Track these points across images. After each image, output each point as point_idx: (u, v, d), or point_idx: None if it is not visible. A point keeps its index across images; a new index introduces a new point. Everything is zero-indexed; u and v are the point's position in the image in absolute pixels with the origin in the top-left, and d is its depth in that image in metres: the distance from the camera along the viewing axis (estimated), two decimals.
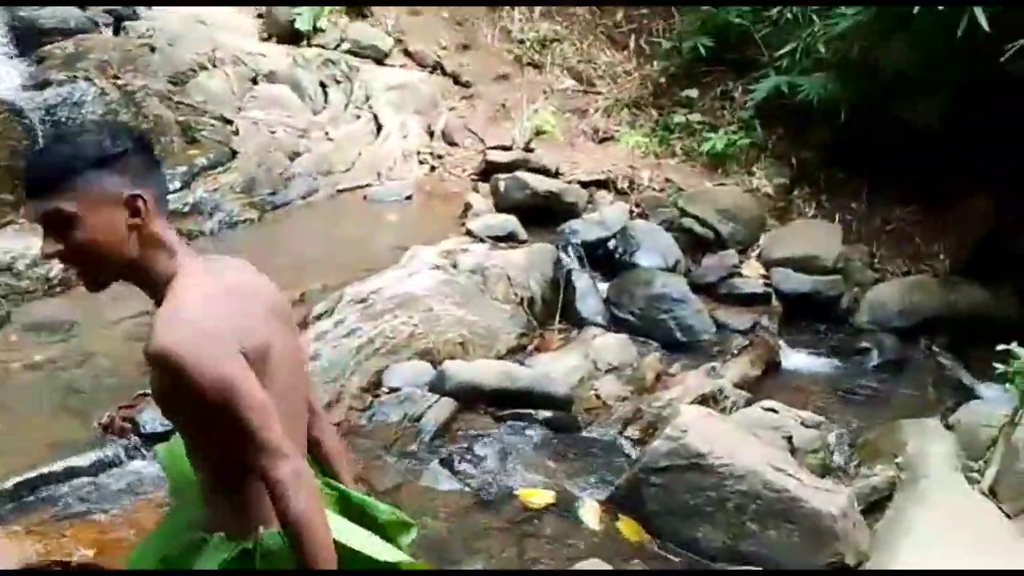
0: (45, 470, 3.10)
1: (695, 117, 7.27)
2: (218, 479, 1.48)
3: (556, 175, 6.57)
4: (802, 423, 3.19)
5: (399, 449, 3.37)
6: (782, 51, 6.66)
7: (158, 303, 1.48)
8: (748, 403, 4.17)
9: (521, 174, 6.07)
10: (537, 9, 8.36)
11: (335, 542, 1.43)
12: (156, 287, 1.49)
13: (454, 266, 4.74)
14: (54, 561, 2.68)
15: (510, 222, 5.63)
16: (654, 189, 6.81)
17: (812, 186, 6.97)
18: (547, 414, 3.73)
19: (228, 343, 1.39)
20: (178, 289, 1.44)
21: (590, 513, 2.92)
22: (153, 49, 6.41)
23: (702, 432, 2.78)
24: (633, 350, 4.71)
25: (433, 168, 7.14)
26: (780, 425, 3.17)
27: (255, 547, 1.45)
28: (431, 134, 7.42)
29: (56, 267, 4.59)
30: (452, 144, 7.42)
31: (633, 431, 3.83)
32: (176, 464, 1.70)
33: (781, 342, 5.30)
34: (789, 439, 3.09)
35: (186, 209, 5.61)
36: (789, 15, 6.70)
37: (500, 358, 4.41)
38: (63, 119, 5.47)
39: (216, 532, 1.49)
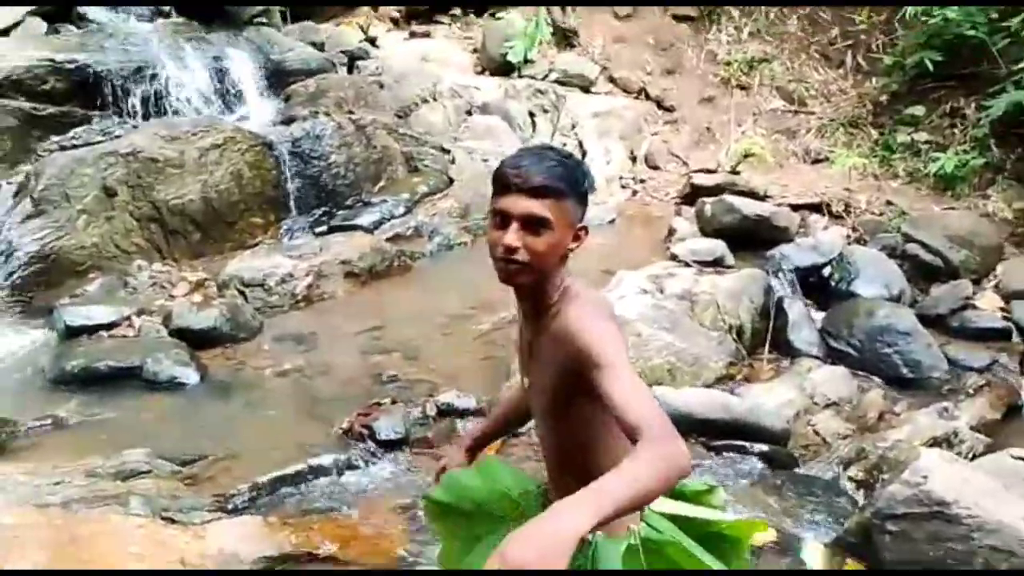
0: (296, 468, 3.44)
1: (920, 136, 6.82)
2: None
3: (765, 198, 6.39)
4: None
5: None
6: (1022, 64, 6.11)
7: (539, 311, 1.67)
8: (988, 449, 3.83)
9: (728, 197, 5.96)
10: (745, 30, 8.21)
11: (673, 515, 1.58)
12: (545, 297, 1.66)
13: (661, 291, 4.73)
14: (305, 552, 2.97)
15: (717, 246, 5.53)
16: (873, 213, 6.44)
17: None
18: (763, 448, 3.63)
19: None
20: (574, 299, 1.64)
21: (814, 555, 2.80)
22: (382, 85, 6.96)
23: (945, 479, 2.59)
24: (853, 385, 4.46)
25: (635, 192, 7.19)
26: None
27: (636, 542, 1.51)
28: (634, 159, 7.49)
29: (302, 284, 5.10)
30: (654, 168, 7.44)
31: (856, 471, 3.63)
32: (462, 491, 1.83)
33: (1023, 382, 4.80)
34: None
35: (409, 232, 6.04)
36: None
37: (708, 386, 4.34)
38: (307, 150, 6.07)
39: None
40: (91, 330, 4.52)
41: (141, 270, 5.26)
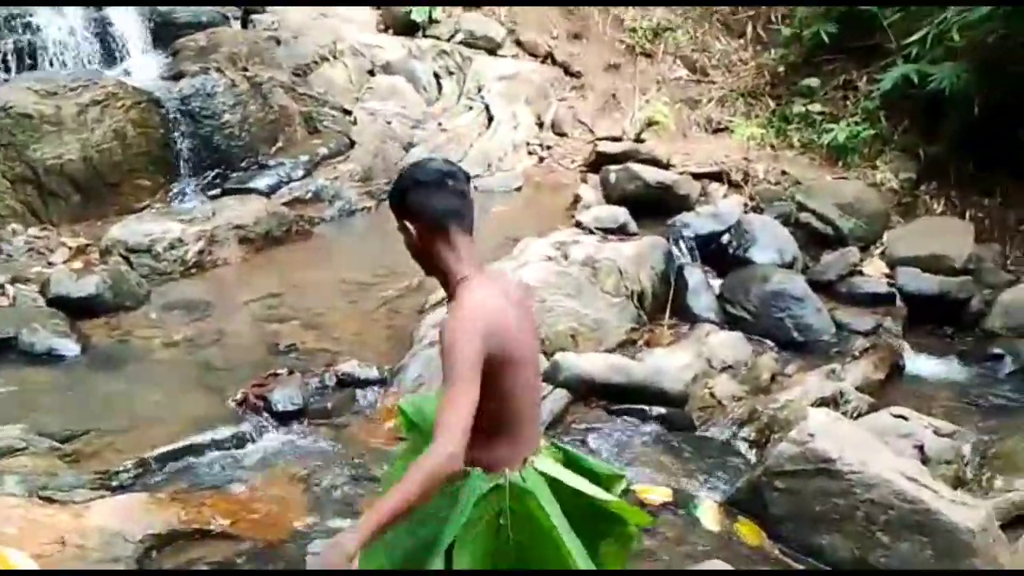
0: (186, 442, 3.30)
1: (815, 107, 7.02)
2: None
3: (668, 167, 6.47)
4: (934, 432, 3.04)
5: None
6: (912, 38, 6.35)
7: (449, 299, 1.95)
8: (871, 408, 4.01)
9: (632, 165, 6.02)
10: None
11: (563, 484, 1.90)
12: (448, 289, 1.96)
13: (565, 257, 4.74)
14: (195, 529, 2.85)
15: (621, 214, 5.58)
16: (770, 182, 6.62)
17: (941, 181, 6.61)
18: (661, 410, 3.70)
19: (475, 336, 1.80)
20: (463, 293, 1.89)
21: (708, 513, 2.88)
22: (279, 42, 6.66)
23: (830, 437, 2.69)
24: (748, 349, 4.60)
25: (542, 159, 7.15)
26: (910, 433, 3.03)
27: (506, 484, 1.88)
28: (540, 125, 7.44)
29: (192, 250, 4.87)
30: (561, 135, 7.42)
31: (749, 432, 3.75)
32: (421, 414, 2.14)
33: (905, 345, 5.05)
34: (920, 448, 2.95)
35: (308, 196, 5.84)
36: None
37: (609, 351, 4.39)
38: (197, 108, 5.77)
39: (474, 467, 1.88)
40: None
41: (16, 235, 4.92)
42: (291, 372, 3.77)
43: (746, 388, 4.18)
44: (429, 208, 1.90)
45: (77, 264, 4.63)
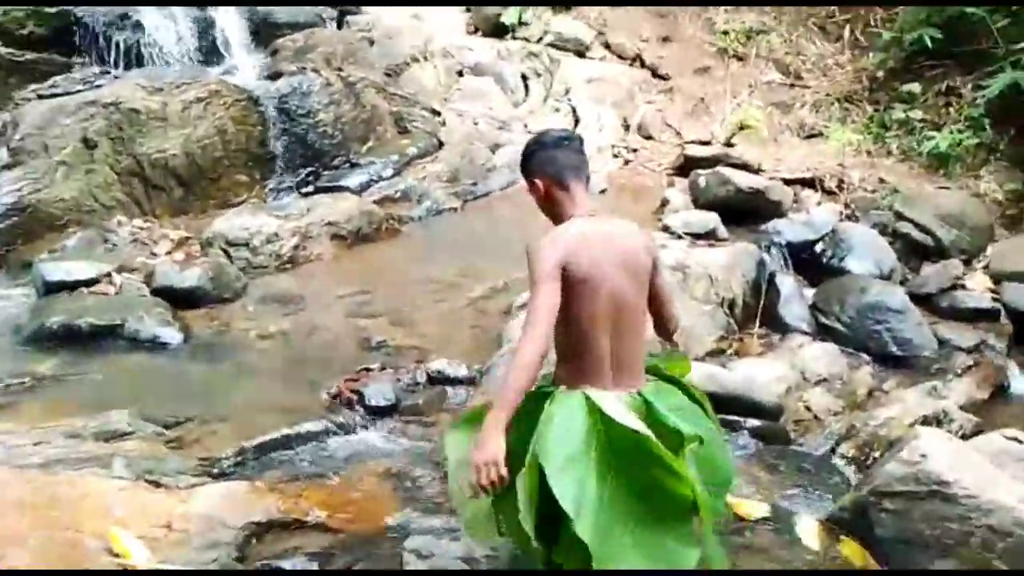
0: (283, 433, 3.37)
1: (916, 114, 6.76)
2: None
3: (759, 172, 6.32)
4: None
5: None
6: (1021, 44, 6.06)
7: None
8: (976, 429, 3.84)
9: (723, 169, 5.89)
10: None
11: (626, 437, 2.00)
12: None
13: None
14: (293, 519, 2.91)
15: (711, 219, 5.48)
16: (866, 190, 6.40)
17: None
18: (756, 423, 3.60)
19: (553, 250, 2.13)
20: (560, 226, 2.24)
21: (809, 531, 2.78)
22: (372, 42, 6.78)
23: (943, 458, 2.57)
24: (843, 362, 4.46)
25: (627, 162, 7.08)
26: None
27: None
28: (627, 127, 7.37)
29: (287, 245, 4.99)
30: (647, 138, 7.34)
31: (848, 448, 3.62)
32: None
33: (1011, 364, 4.82)
34: None
35: (397, 195, 5.92)
36: None
37: (698, 360, 4.30)
38: (294, 107, 5.91)
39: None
40: (71, 286, 4.39)
41: (122, 226, 5.13)
42: (383, 368, 3.83)
43: (842, 403, 4.05)
44: (549, 165, 2.27)
45: (179, 256, 4.80)
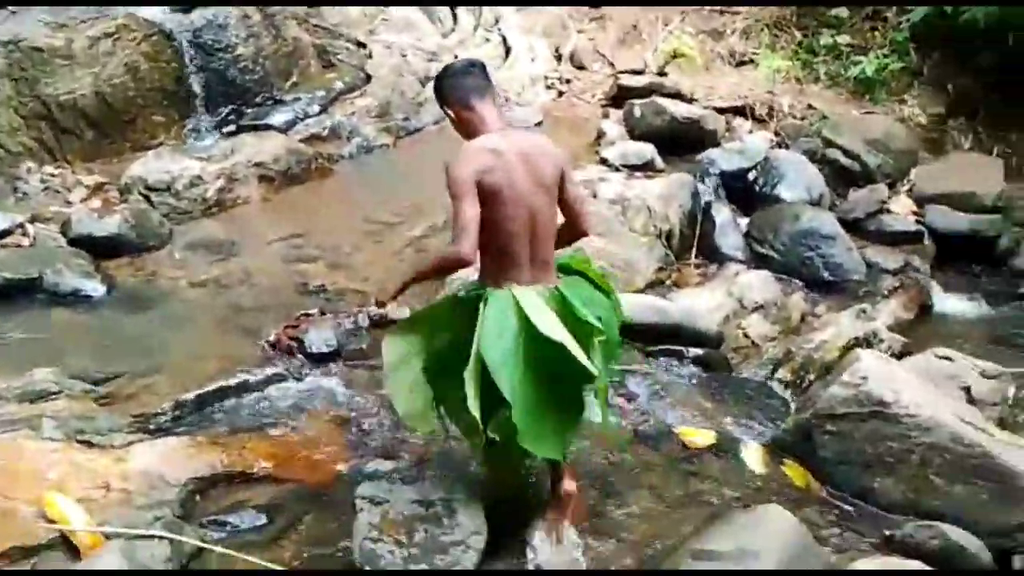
0: (221, 384, 3.27)
1: (844, 39, 6.81)
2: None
3: (691, 101, 6.30)
4: (981, 373, 3.01)
5: None
6: None
7: None
8: (904, 348, 3.99)
9: (658, 99, 5.86)
10: None
11: (546, 338, 2.28)
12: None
13: (595, 196, 4.64)
14: (238, 472, 2.84)
15: (647, 150, 5.46)
16: (795, 117, 6.46)
17: (970, 117, 6.48)
18: (698, 352, 3.66)
19: (466, 165, 2.34)
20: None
21: (754, 456, 2.86)
22: None
23: (883, 379, 2.65)
24: (777, 288, 4.55)
25: (561, 93, 6.96)
26: (956, 375, 3.00)
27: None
28: (559, 57, 7.23)
29: (213, 188, 4.77)
30: (580, 68, 7.21)
31: (785, 373, 3.72)
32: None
33: (934, 284, 5.01)
34: (967, 390, 2.92)
35: (325, 133, 5.67)
36: None
37: (638, 292, 4.33)
38: (210, 41, 5.58)
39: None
40: None
41: (31, 173, 4.81)
42: (323, 313, 3.73)
43: (778, 328, 4.14)
44: (457, 91, 2.48)
45: (96, 203, 4.54)
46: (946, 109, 6.46)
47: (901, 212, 5.57)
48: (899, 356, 3.74)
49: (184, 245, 4.35)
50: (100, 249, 4.15)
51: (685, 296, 4.29)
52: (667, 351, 3.64)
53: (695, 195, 5.17)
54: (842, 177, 5.83)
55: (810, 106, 6.53)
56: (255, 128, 5.54)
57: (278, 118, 5.66)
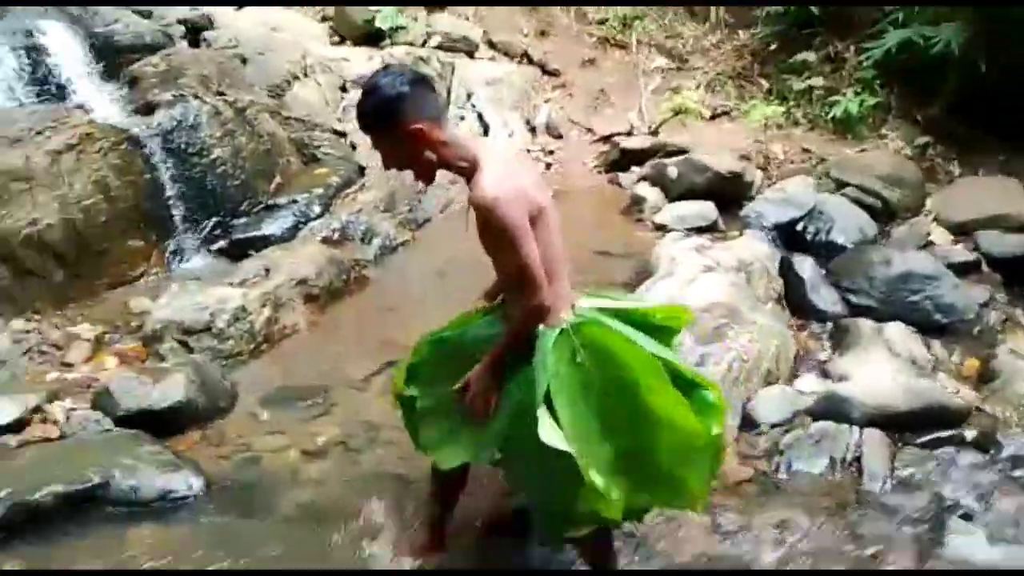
0: None
1: (817, 82, 6.80)
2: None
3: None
4: None
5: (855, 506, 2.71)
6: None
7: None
8: None
9: (695, 156, 5.48)
10: None
11: (620, 336, 2.12)
12: (454, 172, 2.14)
13: (718, 264, 4.09)
14: None
15: (708, 210, 5.04)
16: (792, 161, 6.32)
17: (947, 144, 6.60)
18: (972, 433, 3.12)
19: (515, 203, 2.02)
20: (486, 171, 2.05)
21: None
22: (244, 60, 5.53)
23: None
24: (917, 340, 4.17)
25: (548, 165, 6.46)
26: None
27: (568, 327, 2.15)
28: (533, 130, 6.75)
29: (260, 319, 3.74)
30: (558, 137, 6.77)
31: None
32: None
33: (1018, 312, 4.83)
34: None
35: (335, 236, 4.79)
36: None
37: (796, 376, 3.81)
38: (183, 145, 4.58)
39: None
40: None
41: None
42: None
43: (969, 387, 3.72)
44: (426, 106, 2.04)
45: (110, 360, 3.40)
46: (925, 139, 6.55)
47: (942, 243, 5.45)
48: None
49: (259, 400, 3.29)
50: (162, 426, 3.02)
51: (851, 368, 3.77)
52: (937, 440, 3.05)
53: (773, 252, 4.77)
54: (870, 215, 5.66)
55: (805, 149, 6.42)
56: (250, 242, 4.58)
57: (275, 226, 4.78)
